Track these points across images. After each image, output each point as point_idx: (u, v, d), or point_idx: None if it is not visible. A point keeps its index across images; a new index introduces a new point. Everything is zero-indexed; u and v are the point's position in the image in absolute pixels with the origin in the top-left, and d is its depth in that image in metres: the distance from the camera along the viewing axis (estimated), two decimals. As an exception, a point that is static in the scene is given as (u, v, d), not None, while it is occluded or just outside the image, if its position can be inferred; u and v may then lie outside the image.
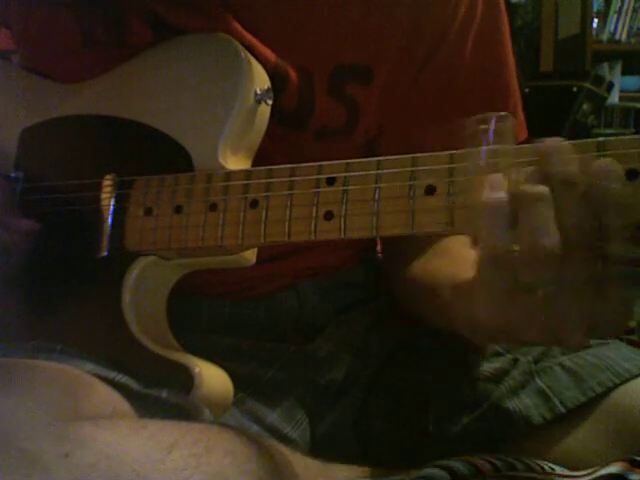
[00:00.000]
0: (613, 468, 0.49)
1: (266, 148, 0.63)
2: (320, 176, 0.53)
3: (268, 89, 0.61)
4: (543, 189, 0.44)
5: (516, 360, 0.65)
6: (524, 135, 0.75)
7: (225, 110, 0.60)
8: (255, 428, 0.68)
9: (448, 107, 0.71)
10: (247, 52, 0.61)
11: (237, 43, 0.61)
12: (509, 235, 0.44)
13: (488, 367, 0.66)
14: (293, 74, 0.65)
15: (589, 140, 0.45)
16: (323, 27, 0.66)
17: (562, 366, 0.62)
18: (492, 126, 0.46)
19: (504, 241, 0.44)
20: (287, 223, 0.54)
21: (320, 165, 0.54)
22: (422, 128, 0.71)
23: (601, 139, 0.44)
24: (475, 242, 0.46)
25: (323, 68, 0.66)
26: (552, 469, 0.55)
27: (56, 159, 0.68)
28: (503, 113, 0.46)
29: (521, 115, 0.75)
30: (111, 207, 0.62)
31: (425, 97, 0.71)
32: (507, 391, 0.62)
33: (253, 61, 0.61)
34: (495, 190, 0.45)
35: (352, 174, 0.52)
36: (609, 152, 0.44)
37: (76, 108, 0.67)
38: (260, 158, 0.62)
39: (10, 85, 0.72)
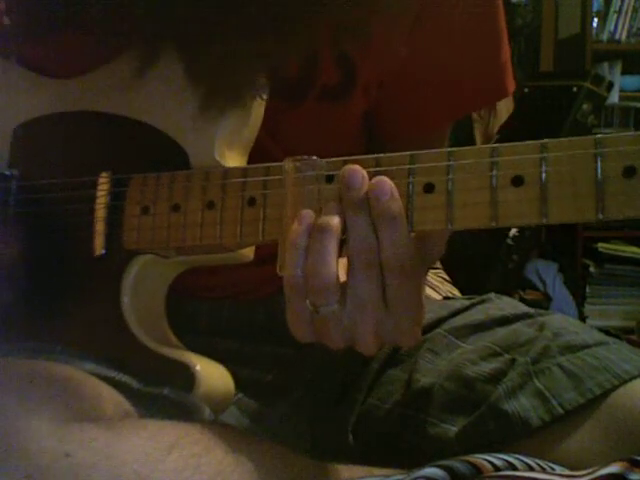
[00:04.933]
0: (613, 468, 0.49)
1: (269, 126, 0.63)
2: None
3: (263, 84, 0.61)
4: (328, 219, 0.49)
5: (513, 360, 0.65)
6: (512, 87, 0.75)
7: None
8: (255, 428, 0.68)
9: (441, 66, 0.70)
10: None
11: None
12: (305, 264, 0.49)
13: (486, 367, 0.66)
14: (294, 42, 0.64)
15: (587, 137, 0.45)
16: None
17: (560, 367, 0.62)
18: (306, 166, 0.52)
19: (299, 270, 0.50)
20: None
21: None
22: (421, 87, 0.71)
23: (599, 136, 0.44)
24: (279, 268, 0.52)
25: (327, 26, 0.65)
26: (552, 469, 0.55)
27: (51, 156, 0.67)
28: (314, 157, 0.52)
29: (509, 68, 0.74)
30: (108, 205, 0.61)
31: (420, 54, 0.70)
32: (505, 393, 0.62)
33: None
34: (300, 224, 0.50)
35: None
36: (606, 149, 0.44)
37: (71, 104, 0.66)
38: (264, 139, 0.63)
39: (4, 81, 0.72)
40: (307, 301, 0.50)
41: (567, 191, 0.45)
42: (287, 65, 0.63)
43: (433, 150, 0.49)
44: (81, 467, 0.45)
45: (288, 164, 0.53)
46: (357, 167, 0.49)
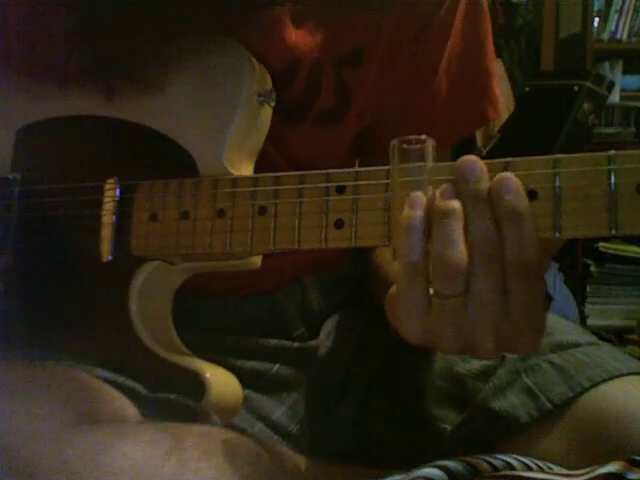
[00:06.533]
0: (612, 467, 0.49)
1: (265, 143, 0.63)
2: (330, 184, 0.53)
3: (270, 90, 0.61)
4: (453, 204, 0.46)
5: (503, 357, 0.65)
6: (497, 115, 0.76)
7: (229, 113, 0.59)
8: (259, 426, 0.68)
9: (433, 89, 0.72)
10: (249, 54, 0.60)
11: (239, 45, 0.60)
12: (424, 249, 0.47)
13: (476, 364, 0.66)
14: (305, 67, 0.65)
15: (600, 153, 0.45)
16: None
17: (551, 363, 0.62)
18: (413, 147, 0.49)
19: (419, 255, 0.47)
20: (297, 231, 0.54)
21: (328, 173, 0.53)
22: (412, 114, 0.72)
23: (612, 152, 0.45)
24: (394, 256, 0.48)
25: (329, 57, 0.66)
26: (550, 468, 0.55)
27: (54, 161, 0.67)
28: (423, 136, 0.49)
29: (496, 93, 0.76)
30: (115, 211, 0.61)
31: (414, 80, 0.72)
32: (493, 391, 0.62)
33: (255, 62, 0.61)
34: (413, 207, 0.47)
35: (362, 182, 0.52)
36: (620, 166, 0.44)
37: (76, 108, 0.66)
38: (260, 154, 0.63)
39: (6, 83, 0.71)
40: (430, 290, 0.47)
41: (580, 206, 0.45)
42: None
43: (441, 163, 0.49)
44: (80, 471, 0.45)
45: (394, 142, 0.50)
46: (474, 158, 0.47)
